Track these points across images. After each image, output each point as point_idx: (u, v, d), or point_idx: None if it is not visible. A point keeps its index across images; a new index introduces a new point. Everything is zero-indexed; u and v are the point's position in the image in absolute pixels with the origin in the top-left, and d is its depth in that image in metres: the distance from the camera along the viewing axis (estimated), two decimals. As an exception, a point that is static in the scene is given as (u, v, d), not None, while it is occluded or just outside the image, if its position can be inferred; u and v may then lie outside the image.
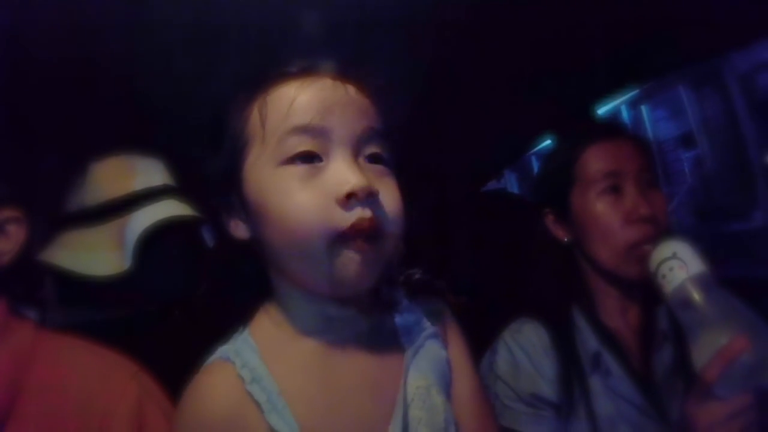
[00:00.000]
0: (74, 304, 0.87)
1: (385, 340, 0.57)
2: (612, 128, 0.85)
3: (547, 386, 0.76)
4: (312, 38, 0.78)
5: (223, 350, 0.55)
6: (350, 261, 0.46)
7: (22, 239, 0.63)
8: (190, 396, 0.53)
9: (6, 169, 0.64)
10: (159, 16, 0.72)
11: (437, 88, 1.08)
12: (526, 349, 0.79)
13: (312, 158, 0.47)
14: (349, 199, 0.46)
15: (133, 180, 0.89)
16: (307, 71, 0.52)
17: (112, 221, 0.86)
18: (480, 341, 0.85)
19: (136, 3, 0.71)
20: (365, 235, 0.46)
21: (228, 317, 0.62)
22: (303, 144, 0.47)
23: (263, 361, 0.52)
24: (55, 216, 0.87)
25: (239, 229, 0.53)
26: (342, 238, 0.46)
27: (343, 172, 0.47)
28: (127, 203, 0.87)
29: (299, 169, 0.47)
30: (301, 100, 0.48)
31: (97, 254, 0.85)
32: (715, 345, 0.56)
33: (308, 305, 0.53)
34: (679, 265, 0.62)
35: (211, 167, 0.53)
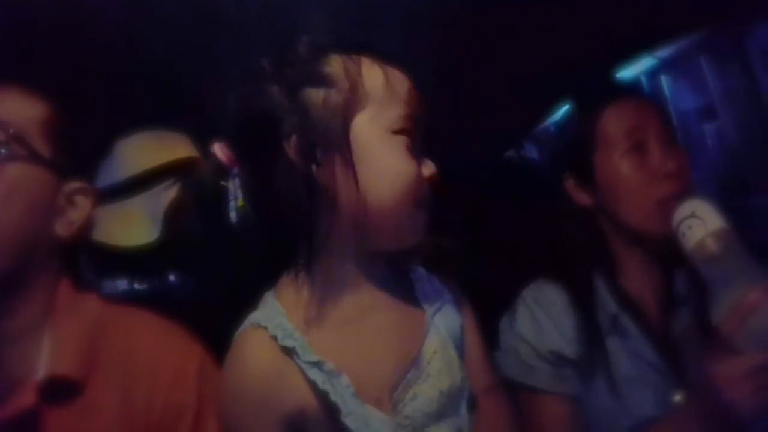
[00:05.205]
0: (106, 276, 0.91)
1: (408, 303, 0.63)
2: (627, 88, 0.85)
3: (567, 344, 0.77)
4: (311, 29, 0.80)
5: (253, 317, 0.59)
6: (422, 218, 0.59)
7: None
8: (229, 365, 0.57)
9: (71, 141, 0.63)
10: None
11: (453, 56, 1.07)
12: (545, 307, 0.80)
13: (412, 135, 0.57)
14: (430, 178, 0.59)
15: (160, 154, 0.91)
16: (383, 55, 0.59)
17: (140, 194, 0.89)
18: (493, 308, 0.86)
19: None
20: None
21: (258, 285, 0.64)
22: (409, 123, 0.57)
23: (291, 321, 0.57)
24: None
25: (323, 175, 0.54)
26: (420, 203, 0.58)
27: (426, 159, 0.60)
28: (155, 177, 0.90)
29: (405, 140, 0.57)
30: (411, 90, 0.58)
31: (127, 226, 0.88)
32: (733, 299, 0.57)
33: (356, 261, 0.59)
34: (698, 223, 0.63)
35: (300, 110, 0.54)
